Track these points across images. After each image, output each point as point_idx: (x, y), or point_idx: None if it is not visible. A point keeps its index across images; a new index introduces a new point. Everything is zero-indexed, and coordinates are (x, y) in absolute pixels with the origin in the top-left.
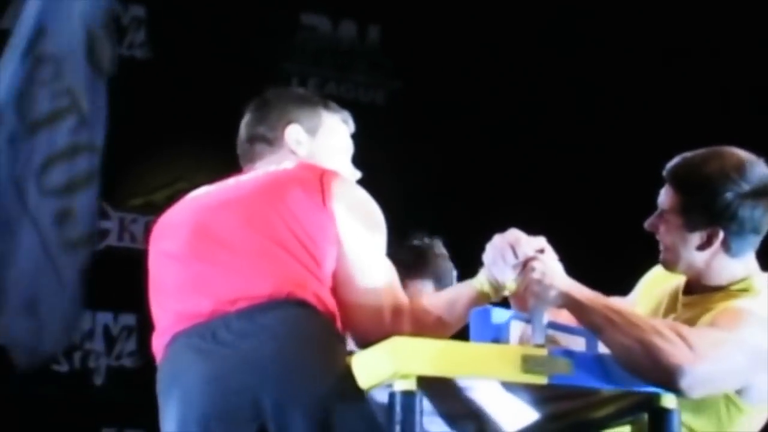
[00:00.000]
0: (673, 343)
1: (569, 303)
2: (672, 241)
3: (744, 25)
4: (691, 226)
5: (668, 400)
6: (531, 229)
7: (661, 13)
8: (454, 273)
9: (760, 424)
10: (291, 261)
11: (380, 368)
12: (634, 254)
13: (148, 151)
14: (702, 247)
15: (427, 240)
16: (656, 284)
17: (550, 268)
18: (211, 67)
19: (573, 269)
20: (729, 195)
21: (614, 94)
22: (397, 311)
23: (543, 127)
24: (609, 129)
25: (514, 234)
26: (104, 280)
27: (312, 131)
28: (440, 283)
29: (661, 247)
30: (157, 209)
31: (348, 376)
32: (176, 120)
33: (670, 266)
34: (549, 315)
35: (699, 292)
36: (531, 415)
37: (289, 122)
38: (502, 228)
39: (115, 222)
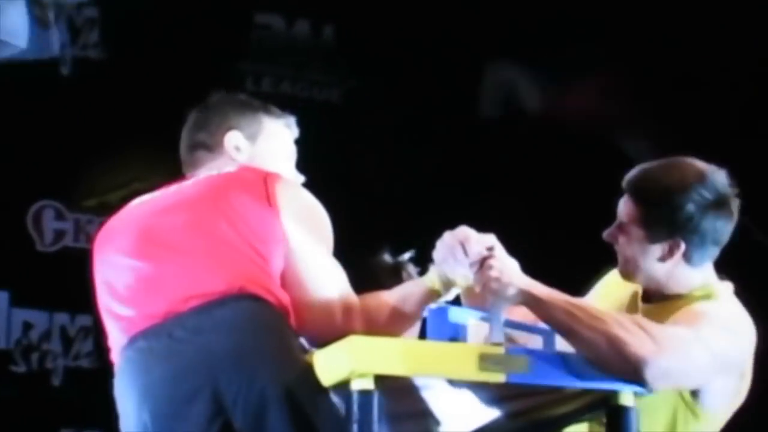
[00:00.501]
0: (637, 335)
1: (529, 300)
2: (632, 252)
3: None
4: (652, 238)
5: (626, 398)
6: (486, 228)
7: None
8: None
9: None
10: (239, 259)
11: (338, 367)
12: (587, 256)
13: (103, 151)
14: (663, 258)
15: (398, 258)
16: (613, 288)
17: (507, 266)
18: (165, 67)
19: (529, 269)
20: (691, 207)
21: None
22: (347, 309)
23: (502, 126)
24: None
25: (464, 231)
26: (61, 281)
27: (252, 137)
28: None
29: (621, 259)
30: (112, 210)
31: (309, 367)
32: (131, 120)
33: (630, 277)
34: (506, 313)
35: (658, 300)
36: (489, 413)
37: (228, 128)
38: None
39: (71, 223)
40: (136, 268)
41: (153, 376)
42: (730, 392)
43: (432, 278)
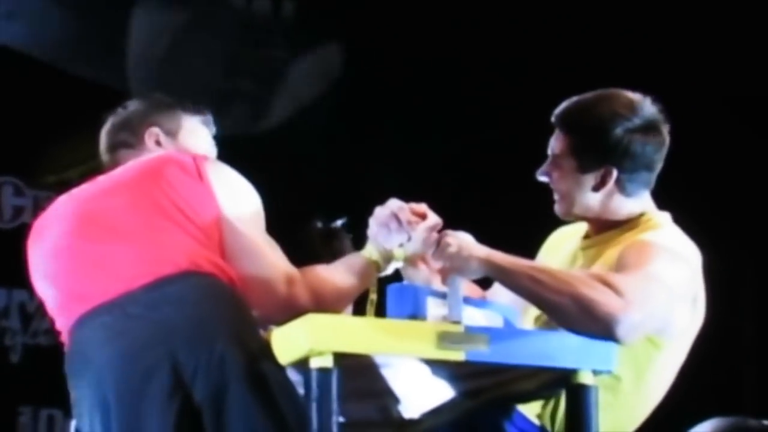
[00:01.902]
0: (604, 293)
1: (492, 269)
2: (566, 186)
3: None
4: (584, 168)
5: (585, 377)
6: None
7: None
8: None
9: (678, 362)
10: (184, 235)
11: (296, 345)
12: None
13: (63, 128)
14: (597, 188)
15: (331, 225)
16: (559, 244)
17: (464, 240)
18: (125, 42)
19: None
20: (619, 131)
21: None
22: (290, 280)
23: (459, 105)
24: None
25: (395, 202)
26: (20, 258)
27: (172, 133)
28: None
29: (556, 197)
30: (71, 186)
31: (267, 343)
32: (90, 96)
33: (567, 213)
34: (464, 290)
35: (597, 235)
36: (448, 391)
37: (149, 125)
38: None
39: (30, 199)
40: (80, 250)
41: (107, 352)
42: (686, 318)
43: (370, 250)
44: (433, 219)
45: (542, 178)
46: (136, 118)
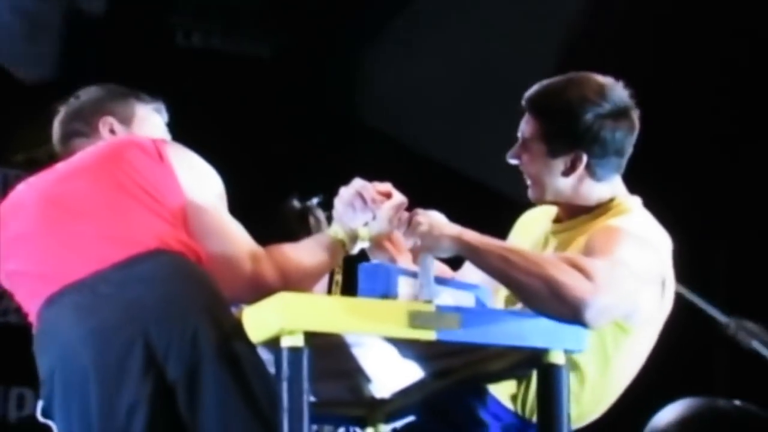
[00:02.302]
0: (573, 276)
1: (463, 248)
2: (536, 170)
3: None
4: (554, 153)
5: (556, 356)
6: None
7: None
8: None
9: (647, 348)
10: (150, 215)
11: (268, 323)
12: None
13: (30, 106)
14: (566, 172)
15: (306, 203)
16: (529, 226)
17: (435, 218)
18: (96, 20)
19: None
20: (589, 117)
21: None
22: (255, 258)
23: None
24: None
25: (359, 182)
26: None
27: (126, 121)
28: None
29: (528, 181)
30: (40, 165)
31: (239, 321)
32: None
33: (538, 197)
34: (435, 270)
35: (568, 219)
36: (419, 371)
37: (102, 114)
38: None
39: None
40: (48, 233)
41: (79, 331)
42: (653, 303)
43: (335, 229)
44: (398, 198)
45: (512, 161)
46: (89, 107)
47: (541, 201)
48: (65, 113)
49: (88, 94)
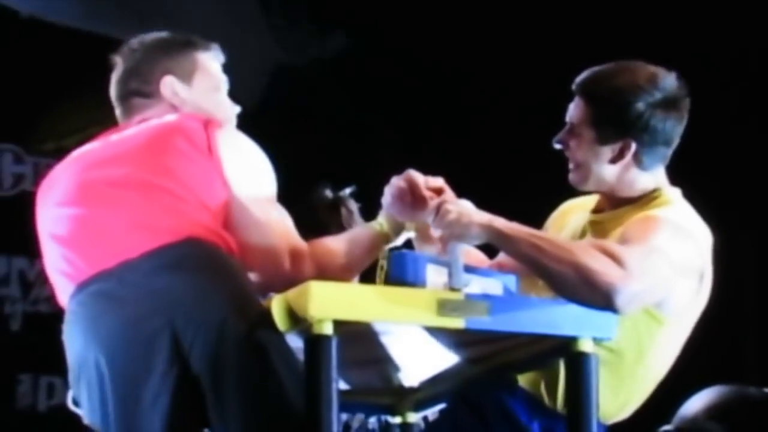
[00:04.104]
0: (604, 262)
1: (493, 236)
2: (583, 156)
3: None
4: (602, 139)
5: (585, 345)
6: (431, 170)
7: None
8: None
9: (682, 339)
10: (184, 205)
11: (296, 312)
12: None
13: (62, 95)
14: (614, 160)
15: (338, 193)
16: (564, 219)
17: (463, 206)
18: (120, 6)
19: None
20: (641, 105)
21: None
22: (296, 255)
23: (462, 72)
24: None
25: (411, 174)
26: (20, 225)
27: (187, 78)
28: None
29: (571, 165)
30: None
31: (267, 310)
32: (90, 63)
33: (581, 183)
34: (464, 258)
35: (609, 210)
36: (448, 359)
37: (163, 73)
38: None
39: (30, 166)
40: (78, 218)
41: (107, 320)
42: (690, 295)
43: (381, 222)
44: (450, 194)
45: (558, 146)
46: (148, 65)
47: (582, 186)
48: (123, 71)
49: (143, 46)
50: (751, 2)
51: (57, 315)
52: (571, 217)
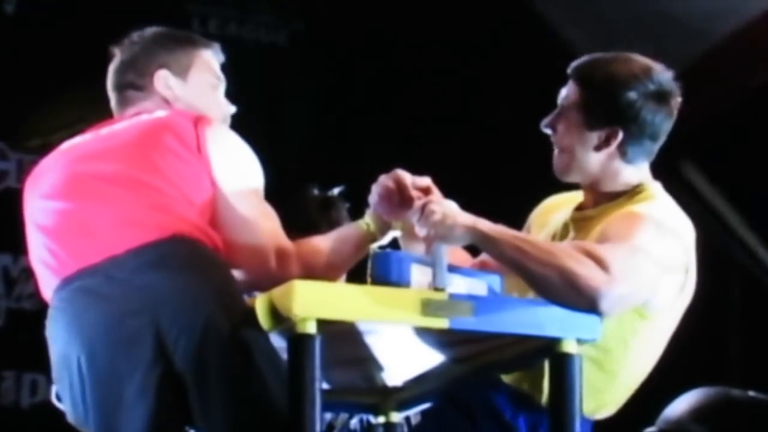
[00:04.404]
0: (588, 266)
1: (477, 238)
2: (569, 141)
3: None
4: (590, 124)
5: (569, 346)
6: (420, 170)
7: None
8: None
9: (667, 335)
10: (170, 204)
11: (280, 311)
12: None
13: (48, 91)
14: (599, 147)
15: (327, 193)
16: (547, 216)
17: (448, 207)
18: (111, 6)
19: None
20: (633, 94)
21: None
22: (282, 254)
23: (448, 72)
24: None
25: (399, 174)
26: (3, 222)
27: (182, 73)
28: None
29: (557, 151)
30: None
31: (251, 309)
32: (76, 60)
33: (564, 170)
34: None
35: (592, 206)
36: (432, 359)
37: (158, 67)
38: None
39: (14, 163)
40: (65, 211)
41: (90, 316)
42: (675, 290)
43: (368, 221)
44: (437, 195)
45: (546, 130)
46: (144, 58)
47: (566, 173)
48: (120, 61)
49: (142, 39)
50: None
51: (41, 312)
52: (553, 214)
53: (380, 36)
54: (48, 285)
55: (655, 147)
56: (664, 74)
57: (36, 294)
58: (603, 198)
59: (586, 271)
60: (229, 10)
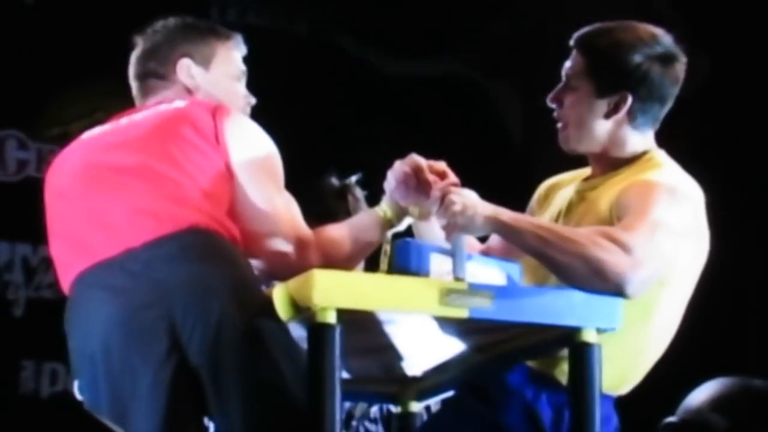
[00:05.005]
0: (612, 252)
1: (498, 228)
2: (578, 112)
3: None
4: (599, 91)
5: (589, 335)
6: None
7: None
8: None
9: (684, 299)
10: (188, 196)
11: (300, 300)
12: None
13: (66, 81)
14: (609, 114)
15: (345, 181)
16: (549, 194)
17: (468, 197)
18: None
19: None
20: (639, 56)
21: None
22: (302, 244)
23: (468, 57)
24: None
25: (414, 159)
26: (23, 212)
27: (204, 63)
28: None
29: (563, 125)
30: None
31: (268, 299)
32: (94, 49)
33: (572, 141)
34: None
35: (600, 176)
36: (452, 349)
37: (180, 56)
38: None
39: (34, 152)
40: (82, 203)
41: (105, 310)
42: (690, 253)
43: (384, 208)
44: (452, 178)
45: (551, 104)
46: (166, 46)
47: (572, 146)
48: (142, 50)
49: (165, 29)
50: None
51: (60, 301)
52: (557, 191)
53: (398, 24)
54: (66, 277)
55: (662, 113)
56: (669, 38)
57: (55, 283)
58: (610, 167)
59: (610, 257)
60: None
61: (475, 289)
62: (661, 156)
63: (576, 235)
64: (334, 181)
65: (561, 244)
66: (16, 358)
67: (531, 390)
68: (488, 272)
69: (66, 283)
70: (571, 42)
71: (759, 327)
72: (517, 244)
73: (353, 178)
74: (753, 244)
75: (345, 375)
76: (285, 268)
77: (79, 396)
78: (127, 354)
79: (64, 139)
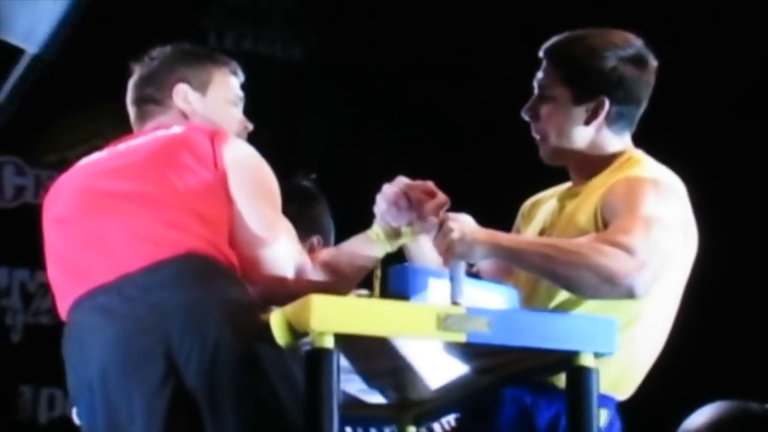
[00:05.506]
0: (617, 257)
1: (498, 252)
2: (556, 121)
3: None
4: (576, 98)
5: (586, 359)
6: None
7: None
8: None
9: (678, 291)
10: (185, 219)
11: (297, 325)
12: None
13: (64, 107)
14: (588, 120)
15: (304, 184)
16: (532, 211)
17: (466, 224)
18: (127, 23)
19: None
20: (613, 60)
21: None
22: (300, 269)
23: (466, 84)
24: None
25: (403, 180)
26: (21, 237)
27: (201, 88)
28: (325, 237)
29: (542, 137)
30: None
31: (266, 324)
32: (92, 76)
33: (554, 153)
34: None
35: (582, 182)
36: (447, 374)
37: (177, 81)
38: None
39: (31, 179)
40: (80, 229)
41: (102, 335)
42: (679, 244)
43: (377, 231)
44: (441, 198)
45: (526, 118)
46: (163, 72)
47: (553, 158)
48: (139, 76)
49: (162, 55)
50: None
51: (58, 327)
52: (540, 207)
53: (394, 52)
54: (63, 302)
55: (638, 114)
56: (640, 42)
57: (53, 309)
58: (590, 173)
59: (616, 263)
60: (245, 25)
61: (473, 313)
62: (639, 153)
63: (578, 246)
64: (300, 182)
65: (566, 258)
66: (14, 383)
67: (529, 395)
68: (486, 296)
69: (63, 308)
70: (540, 53)
71: (758, 350)
72: (521, 265)
73: (309, 180)
74: (753, 264)
75: (343, 397)
76: (282, 294)
77: (76, 420)
78: (124, 379)
79: (62, 165)
